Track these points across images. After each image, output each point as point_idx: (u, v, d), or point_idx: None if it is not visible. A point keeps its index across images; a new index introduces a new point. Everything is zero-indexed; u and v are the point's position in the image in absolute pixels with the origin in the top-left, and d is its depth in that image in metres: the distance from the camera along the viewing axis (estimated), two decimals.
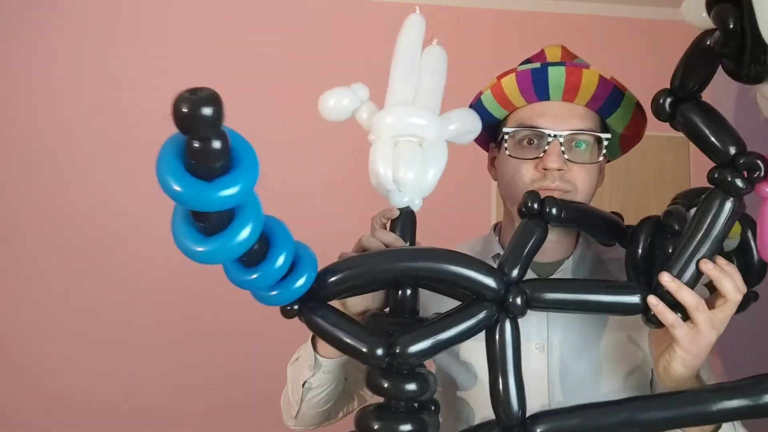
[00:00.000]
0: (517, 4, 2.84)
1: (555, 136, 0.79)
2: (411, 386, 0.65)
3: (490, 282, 0.64)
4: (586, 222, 0.79)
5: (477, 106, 0.87)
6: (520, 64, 0.86)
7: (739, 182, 0.64)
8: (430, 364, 0.81)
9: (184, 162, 0.49)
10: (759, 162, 0.63)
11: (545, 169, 0.79)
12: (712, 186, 0.67)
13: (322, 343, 0.79)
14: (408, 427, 0.63)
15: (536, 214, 0.72)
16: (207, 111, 0.45)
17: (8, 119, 2.63)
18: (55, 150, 2.64)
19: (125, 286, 2.63)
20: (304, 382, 0.79)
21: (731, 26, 0.56)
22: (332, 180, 2.68)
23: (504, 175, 0.85)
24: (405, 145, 0.73)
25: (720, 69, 0.64)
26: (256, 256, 0.59)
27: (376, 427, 0.63)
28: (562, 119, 0.81)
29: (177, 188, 0.48)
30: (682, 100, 0.68)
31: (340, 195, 2.63)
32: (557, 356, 0.81)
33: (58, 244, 2.62)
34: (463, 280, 0.65)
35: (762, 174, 0.63)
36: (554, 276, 0.85)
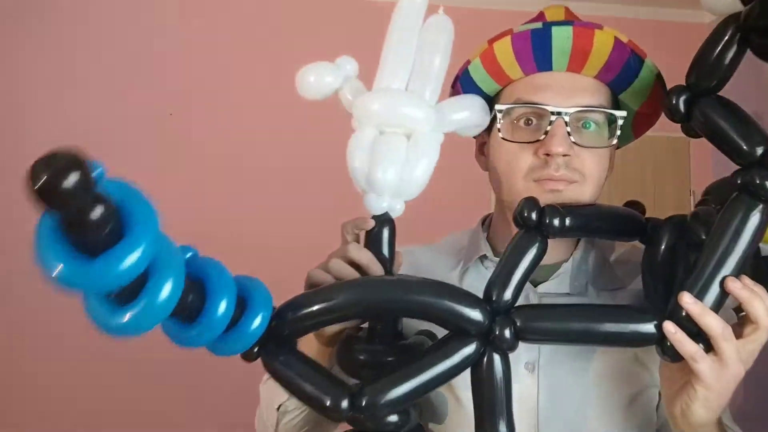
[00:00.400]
0: (518, 4, 2.49)
1: (559, 114, 0.64)
2: (392, 418, 0.58)
3: (474, 314, 0.55)
4: (596, 228, 0.65)
5: (463, 78, 0.71)
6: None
7: None
8: None
9: (67, 237, 0.39)
10: None
11: (547, 155, 0.65)
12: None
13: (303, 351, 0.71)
14: None
15: (534, 226, 0.59)
16: (69, 182, 0.35)
17: (8, 119, 2.61)
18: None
19: None
20: (279, 406, 0.72)
21: None
22: (333, 180, 2.58)
23: (497, 163, 0.70)
24: (388, 138, 0.58)
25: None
26: (192, 308, 0.50)
27: None
28: (567, 93, 0.66)
29: (57, 273, 0.39)
30: (699, 96, 0.60)
31: (341, 195, 2.54)
32: (549, 377, 0.68)
33: None
34: (443, 313, 0.55)
35: None
36: (551, 280, 0.72)
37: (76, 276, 0.39)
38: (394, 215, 0.62)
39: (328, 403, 0.55)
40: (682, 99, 0.60)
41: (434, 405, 0.71)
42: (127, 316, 0.44)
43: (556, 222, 0.59)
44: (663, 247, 0.63)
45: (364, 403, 0.54)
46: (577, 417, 0.68)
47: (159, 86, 2.64)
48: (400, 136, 0.59)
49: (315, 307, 0.56)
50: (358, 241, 0.63)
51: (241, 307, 0.53)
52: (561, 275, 0.72)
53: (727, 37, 0.56)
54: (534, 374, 0.68)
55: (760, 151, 0.55)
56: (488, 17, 2.62)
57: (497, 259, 0.71)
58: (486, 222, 0.80)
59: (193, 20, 2.72)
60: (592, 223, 0.65)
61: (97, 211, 0.38)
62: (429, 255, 0.79)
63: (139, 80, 2.65)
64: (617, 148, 0.72)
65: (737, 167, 0.58)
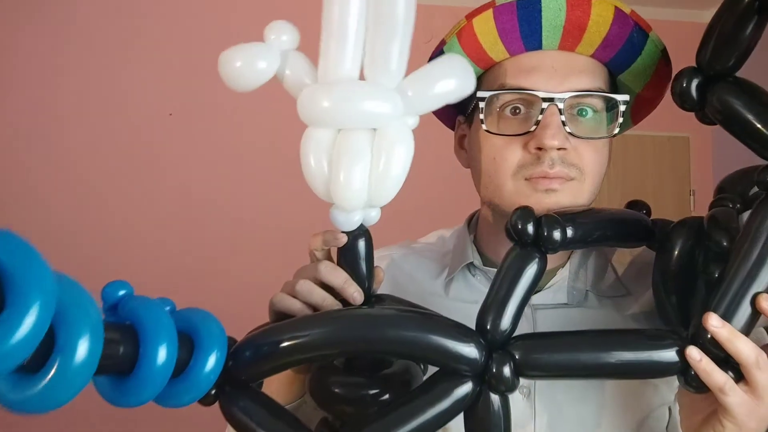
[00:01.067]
0: None
1: (552, 100, 0.56)
2: None
3: (468, 351, 0.47)
4: (600, 236, 0.57)
5: None
6: None
7: None
8: None
9: None
10: None
11: (539, 149, 0.56)
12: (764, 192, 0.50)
13: (267, 389, 0.62)
14: None
15: (530, 241, 0.51)
16: None
17: (6, 120, 2.59)
18: (52, 151, 2.61)
19: None
20: None
21: None
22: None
23: (480, 160, 0.61)
24: (347, 138, 0.47)
25: None
26: (125, 359, 0.42)
27: None
28: (561, 76, 0.57)
29: None
30: (714, 80, 0.52)
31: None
32: (546, 403, 0.61)
33: (58, 244, 2.53)
34: (432, 353, 0.47)
35: None
36: (546, 289, 0.63)
37: None
38: (369, 224, 0.53)
39: None
40: (694, 83, 0.52)
41: None
42: (37, 387, 0.36)
43: (557, 235, 0.51)
44: (676, 254, 0.55)
45: None
46: None
47: (159, 86, 2.65)
48: (362, 132, 0.48)
49: (278, 348, 0.48)
50: (330, 258, 0.55)
51: (189, 348, 0.46)
52: (557, 283, 0.63)
53: (743, 6, 0.48)
54: (530, 399, 0.61)
55: None
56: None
57: (486, 269, 0.64)
58: (473, 220, 0.71)
59: (193, 20, 2.70)
60: (595, 231, 0.56)
61: None
62: (411, 260, 0.71)
63: (139, 80, 2.65)
64: (614, 135, 0.62)
65: (744, 165, 0.51)
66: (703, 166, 2.87)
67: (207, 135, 2.62)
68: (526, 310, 0.60)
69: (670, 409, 0.62)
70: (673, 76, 0.57)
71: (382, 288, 0.58)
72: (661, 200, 2.84)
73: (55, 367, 0.36)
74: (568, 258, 0.65)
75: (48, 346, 0.36)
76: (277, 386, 0.57)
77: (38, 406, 0.37)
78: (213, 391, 0.48)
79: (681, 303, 0.54)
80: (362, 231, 0.53)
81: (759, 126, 0.49)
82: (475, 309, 0.51)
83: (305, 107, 0.48)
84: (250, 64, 0.48)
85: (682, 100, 0.53)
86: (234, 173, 2.66)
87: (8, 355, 0.32)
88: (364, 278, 0.54)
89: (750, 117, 0.49)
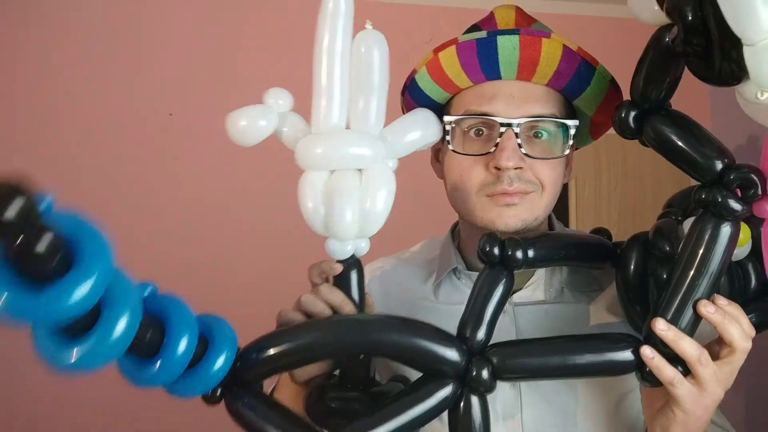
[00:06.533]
0: (518, 5, 2.56)
1: (509, 125, 0.64)
2: None
3: (450, 354, 0.54)
4: (562, 256, 0.64)
5: (411, 88, 0.71)
6: (464, 32, 0.69)
7: (732, 203, 0.54)
8: None
9: (13, 267, 0.41)
10: (753, 176, 0.53)
11: (497, 169, 0.64)
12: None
13: (281, 395, 0.68)
14: None
15: (497, 261, 0.59)
16: (10, 213, 0.36)
17: (6, 120, 2.58)
18: (51, 150, 2.58)
19: None
20: None
21: (690, 18, 0.46)
22: None
23: (449, 175, 0.69)
24: (339, 179, 0.59)
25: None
26: (151, 345, 0.50)
27: None
28: (517, 103, 0.65)
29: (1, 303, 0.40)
30: (649, 112, 0.58)
31: None
32: (531, 389, 0.67)
33: None
34: (418, 355, 0.55)
35: (758, 191, 0.53)
36: (526, 288, 0.70)
37: (21, 306, 0.40)
38: (360, 254, 0.63)
39: None
40: (631, 115, 0.59)
41: None
42: (76, 352, 0.45)
43: (519, 254, 0.58)
44: (632, 267, 0.62)
45: None
46: (564, 425, 0.66)
47: (159, 86, 2.60)
48: (351, 173, 0.59)
49: (282, 348, 0.56)
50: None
51: (203, 346, 0.54)
52: (535, 282, 0.70)
53: (663, 49, 0.54)
54: (516, 387, 0.66)
55: (719, 166, 0.54)
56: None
57: (470, 273, 0.72)
58: (456, 229, 0.79)
59: (193, 20, 2.68)
60: (558, 251, 0.64)
61: (44, 243, 0.39)
62: (400, 270, 0.79)
63: (139, 80, 2.61)
64: (576, 149, 0.72)
65: None
66: None
67: (207, 135, 2.50)
68: (507, 307, 0.68)
69: None
70: (622, 99, 0.64)
71: (376, 296, 0.67)
72: (661, 200, 2.67)
73: (95, 336, 0.45)
74: None
75: (92, 318, 0.45)
76: (284, 400, 0.63)
77: (76, 367, 0.45)
78: (219, 391, 0.55)
79: (644, 309, 0.60)
80: (354, 261, 0.62)
81: (691, 153, 0.56)
82: (462, 310, 0.59)
83: (302, 154, 0.59)
84: (252, 123, 0.58)
85: (622, 130, 0.60)
86: (234, 173, 2.59)
87: (64, 310, 0.42)
88: (356, 304, 0.62)
89: (680, 144, 0.56)
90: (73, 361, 0.45)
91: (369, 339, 0.55)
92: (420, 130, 0.62)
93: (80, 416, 2.47)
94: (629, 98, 0.60)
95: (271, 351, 0.55)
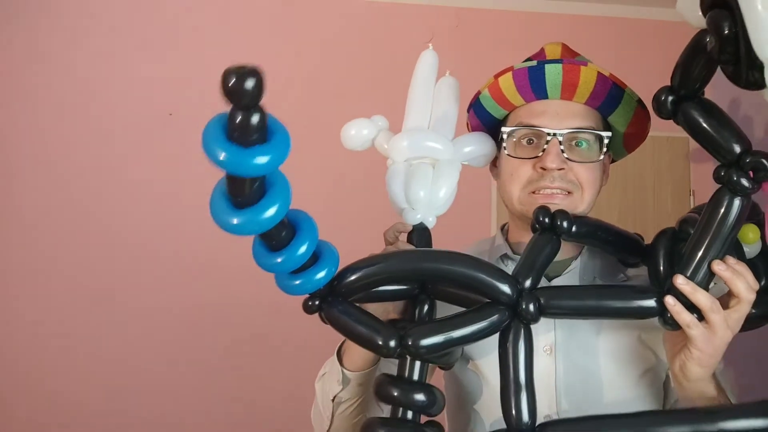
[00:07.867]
0: (518, 5, 2.80)
1: (554, 134, 0.79)
2: (419, 396, 0.67)
3: (504, 287, 0.66)
4: (601, 237, 0.77)
5: (476, 106, 0.88)
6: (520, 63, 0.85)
7: (744, 182, 0.63)
8: (439, 381, 0.81)
9: (227, 135, 0.56)
10: (764, 161, 0.62)
11: (543, 169, 0.79)
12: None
13: (348, 357, 0.79)
14: None
15: (547, 228, 0.72)
16: (250, 83, 0.52)
17: (6, 120, 2.60)
18: (51, 150, 2.59)
19: (139, 303, 2.50)
20: (334, 397, 0.78)
21: (726, 32, 0.54)
22: (336, 183, 2.62)
23: (502, 174, 0.84)
24: (417, 167, 0.79)
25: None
26: (282, 241, 0.63)
27: None
28: (561, 118, 0.80)
29: (220, 153, 0.54)
30: (684, 99, 0.67)
31: (344, 199, 2.58)
32: (564, 359, 0.79)
33: (57, 243, 2.52)
34: (479, 283, 0.66)
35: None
36: (564, 275, 0.83)
37: (233, 162, 0.54)
38: (428, 226, 0.80)
39: (379, 342, 0.65)
40: (669, 99, 0.67)
41: (468, 389, 0.81)
42: (238, 219, 0.58)
43: (565, 223, 0.71)
44: (661, 258, 0.71)
45: (410, 342, 0.64)
46: (592, 388, 0.77)
47: (159, 86, 2.60)
48: (427, 165, 0.80)
49: (369, 269, 0.69)
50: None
51: (315, 259, 0.66)
52: (572, 271, 0.84)
53: (702, 49, 0.61)
54: (552, 356, 0.79)
55: (737, 150, 0.64)
56: (490, 18, 2.70)
57: (516, 257, 0.86)
58: (504, 228, 0.94)
59: (193, 20, 2.68)
60: (598, 232, 0.75)
61: (257, 117, 0.51)
62: None
63: (139, 80, 2.61)
64: (613, 161, 0.90)
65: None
66: (702, 167, 2.78)
67: None
68: None
69: (667, 374, 0.78)
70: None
71: None
72: (661, 200, 2.75)
73: (252, 212, 0.58)
74: (581, 252, 0.85)
75: (257, 196, 0.59)
76: (359, 354, 0.76)
77: (242, 229, 0.57)
78: (317, 302, 0.67)
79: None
80: (423, 227, 0.80)
81: (715, 137, 0.65)
82: None
83: (393, 146, 0.81)
84: (359, 132, 0.83)
85: (660, 110, 0.68)
86: None
87: (255, 167, 0.55)
88: None
89: (708, 129, 0.65)
90: (233, 223, 0.57)
91: (439, 267, 0.68)
92: (476, 145, 0.85)
93: (79, 416, 2.42)
94: (668, 84, 0.68)
95: (360, 272, 0.68)
